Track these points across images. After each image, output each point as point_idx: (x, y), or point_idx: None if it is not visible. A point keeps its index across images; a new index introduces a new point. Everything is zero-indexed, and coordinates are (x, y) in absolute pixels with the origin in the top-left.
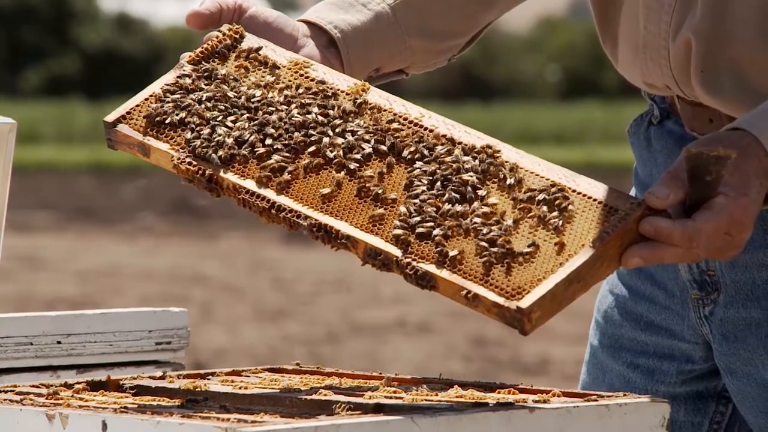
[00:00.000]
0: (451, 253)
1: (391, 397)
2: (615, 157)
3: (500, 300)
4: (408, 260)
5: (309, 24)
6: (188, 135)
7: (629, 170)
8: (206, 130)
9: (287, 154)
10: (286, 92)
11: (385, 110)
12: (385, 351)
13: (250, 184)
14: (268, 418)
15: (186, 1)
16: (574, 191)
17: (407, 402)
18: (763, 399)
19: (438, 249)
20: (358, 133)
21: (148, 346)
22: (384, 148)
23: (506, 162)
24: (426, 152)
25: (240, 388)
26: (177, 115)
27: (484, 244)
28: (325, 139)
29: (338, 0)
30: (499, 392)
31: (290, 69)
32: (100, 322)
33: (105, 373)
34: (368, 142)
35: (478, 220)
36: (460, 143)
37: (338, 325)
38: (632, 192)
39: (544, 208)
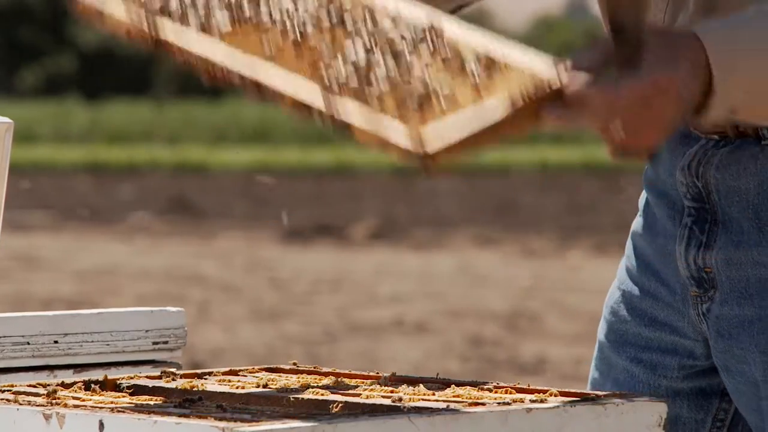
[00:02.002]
0: (370, 103)
1: (388, 397)
2: None
3: (410, 146)
4: (329, 112)
5: None
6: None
7: (627, 171)
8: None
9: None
10: None
11: None
12: (383, 351)
13: (191, 38)
14: (266, 417)
15: None
16: (501, 54)
17: (404, 401)
18: (755, 397)
19: (358, 99)
20: (309, 7)
21: (145, 346)
22: (328, 23)
23: (445, 36)
24: (367, 26)
25: (237, 387)
26: None
27: (402, 95)
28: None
29: None
30: (496, 392)
31: None
32: (97, 322)
33: (102, 373)
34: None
35: (399, 74)
36: (403, 20)
37: (335, 325)
38: (642, 194)
39: (472, 66)
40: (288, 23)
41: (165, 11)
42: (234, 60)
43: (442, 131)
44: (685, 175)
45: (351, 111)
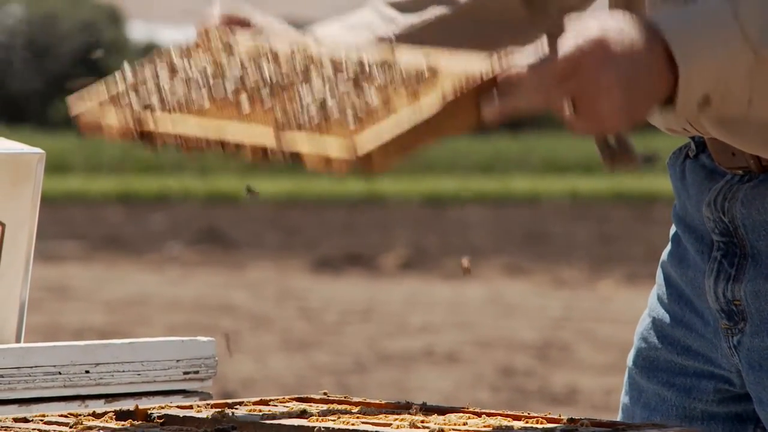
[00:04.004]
0: (313, 130)
1: (418, 427)
2: (643, 187)
3: (345, 155)
4: (279, 147)
5: None
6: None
7: (657, 200)
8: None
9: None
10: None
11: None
12: (413, 381)
13: (167, 121)
14: None
15: None
16: (437, 61)
17: (435, 431)
18: None
19: (302, 129)
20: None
21: (176, 376)
22: (278, 80)
23: (380, 59)
24: (311, 70)
25: (268, 418)
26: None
27: (339, 116)
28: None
29: (346, 24)
30: (527, 422)
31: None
32: (128, 352)
33: (133, 403)
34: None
35: (336, 101)
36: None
37: (366, 355)
38: (672, 227)
39: (406, 76)
40: (248, 89)
41: (148, 106)
42: (203, 129)
43: (376, 134)
44: (711, 210)
45: (297, 141)
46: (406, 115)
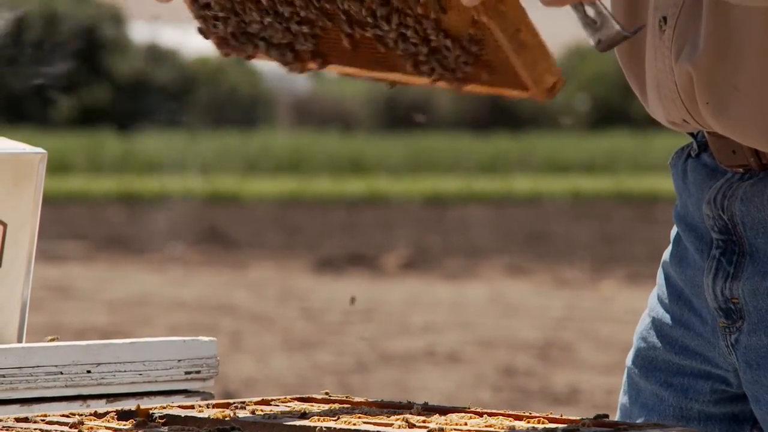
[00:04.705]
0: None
1: (419, 427)
2: (645, 187)
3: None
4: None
5: None
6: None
7: (659, 200)
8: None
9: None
10: None
11: None
12: (414, 380)
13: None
14: None
15: None
16: None
17: (436, 431)
18: None
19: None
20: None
21: (178, 376)
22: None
23: None
24: None
25: (269, 417)
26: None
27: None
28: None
29: None
30: (528, 421)
31: None
32: (129, 352)
33: (134, 403)
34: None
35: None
36: None
37: (367, 355)
38: (674, 227)
39: None
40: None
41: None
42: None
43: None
44: (711, 208)
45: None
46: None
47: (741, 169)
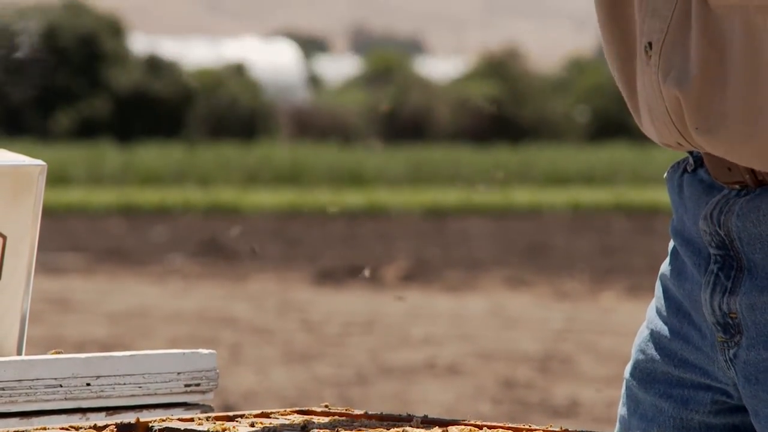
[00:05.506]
0: None
1: None
2: (645, 199)
3: None
4: None
5: None
6: None
7: (658, 211)
8: None
9: None
10: None
11: None
12: (414, 393)
13: None
14: None
15: (215, 43)
16: None
17: None
18: None
19: None
20: None
21: (177, 388)
22: None
23: None
24: None
25: (269, 430)
26: None
27: None
28: None
29: None
30: None
31: None
32: (129, 364)
33: (134, 415)
34: None
35: None
36: None
37: (367, 367)
38: (671, 242)
39: None
40: None
41: None
42: None
43: None
44: (707, 224)
45: None
46: None
47: (737, 186)
